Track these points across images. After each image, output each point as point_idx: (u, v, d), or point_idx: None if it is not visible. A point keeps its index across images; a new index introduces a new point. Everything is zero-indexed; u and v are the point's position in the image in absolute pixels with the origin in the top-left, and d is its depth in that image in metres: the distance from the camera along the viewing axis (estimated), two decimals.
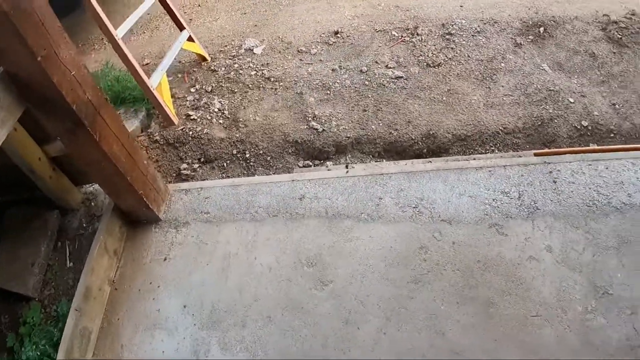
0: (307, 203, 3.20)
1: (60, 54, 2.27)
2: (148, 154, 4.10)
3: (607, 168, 3.42)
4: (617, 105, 3.97)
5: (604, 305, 2.79)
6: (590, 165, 3.43)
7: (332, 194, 3.22)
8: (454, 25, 4.50)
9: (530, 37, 4.43)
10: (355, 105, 3.93)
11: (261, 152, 3.90)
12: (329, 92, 4.06)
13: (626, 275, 2.89)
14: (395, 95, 3.93)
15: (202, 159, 3.97)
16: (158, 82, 4.05)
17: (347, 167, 3.51)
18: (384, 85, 4.01)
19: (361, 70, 4.18)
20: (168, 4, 4.45)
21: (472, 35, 4.40)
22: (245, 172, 3.87)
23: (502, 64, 4.16)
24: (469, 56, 4.21)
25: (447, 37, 4.40)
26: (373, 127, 3.79)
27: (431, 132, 3.69)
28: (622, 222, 3.12)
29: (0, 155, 2.96)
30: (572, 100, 3.92)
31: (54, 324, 3.17)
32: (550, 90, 3.96)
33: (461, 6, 4.82)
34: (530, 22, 4.58)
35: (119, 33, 3.83)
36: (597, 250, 2.98)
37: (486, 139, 3.69)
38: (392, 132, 3.73)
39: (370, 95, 3.96)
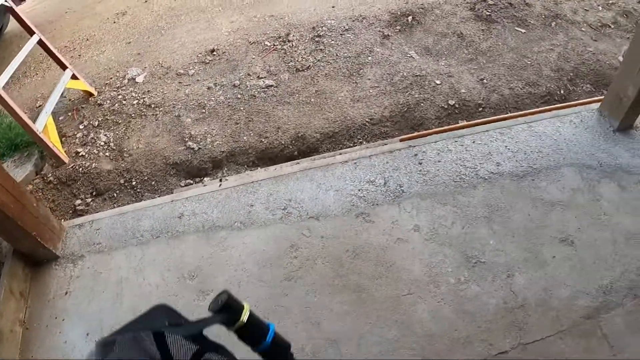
0: (186, 220, 3.27)
1: None
2: (44, 195, 4.13)
3: (473, 142, 3.54)
4: (485, 80, 4.09)
5: (477, 274, 2.90)
6: (456, 141, 3.54)
7: (207, 208, 3.29)
8: (324, 27, 4.61)
9: (398, 27, 4.55)
10: (228, 119, 4.00)
11: (146, 178, 3.95)
12: (204, 110, 4.13)
13: (498, 240, 3.03)
14: (266, 104, 4.01)
15: (94, 193, 4.01)
16: (44, 125, 4.09)
17: (220, 180, 3.57)
18: (255, 96, 4.09)
19: (234, 85, 4.25)
20: (47, 47, 4.49)
21: (341, 34, 4.51)
22: (133, 199, 3.93)
23: (370, 58, 4.26)
24: (337, 55, 4.31)
25: (317, 39, 4.50)
26: (245, 138, 3.86)
27: (300, 134, 3.78)
28: (491, 191, 3.26)
29: None
30: (438, 82, 4.04)
31: None
32: (416, 76, 4.07)
33: (333, 7, 4.93)
34: (399, 13, 4.71)
35: (0, 81, 3.87)
36: (467, 222, 3.09)
37: (353, 132, 3.78)
38: (263, 140, 3.81)
39: (242, 108, 4.03)
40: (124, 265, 3.19)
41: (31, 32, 4.41)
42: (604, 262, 3.06)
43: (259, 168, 3.83)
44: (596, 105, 3.99)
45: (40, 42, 4.44)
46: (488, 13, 4.80)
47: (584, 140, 3.71)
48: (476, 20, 4.75)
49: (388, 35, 4.50)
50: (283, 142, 3.81)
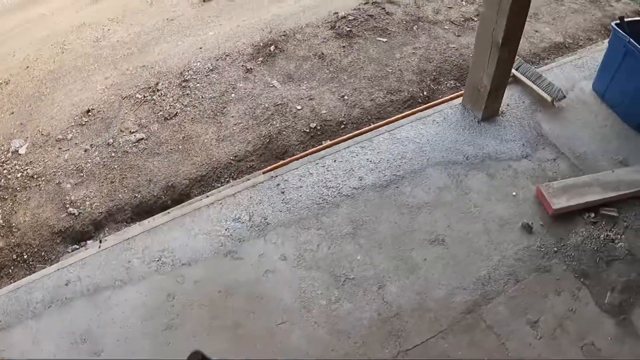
0: (72, 286, 3.39)
1: None
2: None
3: (335, 161, 3.72)
4: (345, 97, 4.30)
5: (347, 292, 3.07)
6: (317, 164, 3.72)
7: (90, 271, 3.42)
8: (190, 71, 4.77)
9: (261, 59, 4.73)
10: (104, 179, 4.14)
11: (36, 249, 4.05)
12: (82, 174, 4.25)
13: (365, 254, 3.21)
14: (138, 158, 4.16)
15: None
16: None
17: (100, 242, 3.70)
18: (128, 151, 4.23)
19: (108, 143, 4.38)
20: None
21: (206, 75, 4.68)
22: (27, 272, 4.01)
23: (233, 95, 4.44)
24: (202, 97, 4.48)
25: (184, 84, 4.66)
26: (120, 195, 4.00)
27: (170, 184, 3.94)
28: (355, 206, 3.45)
29: None
30: (299, 107, 4.23)
31: None
32: (277, 105, 4.26)
33: (200, 48, 5.09)
34: (262, 44, 4.89)
35: None
36: (332, 242, 3.28)
37: (220, 172, 3.96)
38: (137, 195, 3.96)
39: (116, 166, 4.17)
40: (22, 340, 3.27)
41: None
42: (479, 254, 3.24)
43: (136, 223, 3.96)
44: (459, 100, 4.17)
45: None
46: (348, 29, 5.01)
47: (448, 137, 3.90)
48: (337, 38, 4.95)
49: (251, 68, 4.68)
50: (155, 194, 3.96)
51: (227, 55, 4.89)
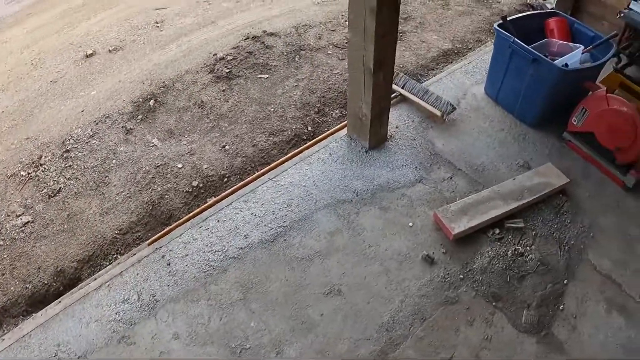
0: None
1: None
2: None
3: (218, 221, 3.69)
4: (227, 146, 4.29)
5: None
6: (201, 227, 3.69)
7: None
8: (72, 140, 4.72)
9: (140, 116, 4.70)
10: None
11: None
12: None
13: (259, 320, 3.15)
14: (26, 244, 4.10)
15: None
16: None
17: None
18: (15, 238, 4.16)
19: None
20: None
21: (87, 143, 4.63)
22: None
23: (114, 161, 4.41)
24: (84, 168, 4.44)
25: (66, 155, 4.61)
26: (12, 288, 3.94)
27: (59, 269, 3.90)
28: (243, 268, 3.40)
29: None
30: (180, 165, 4.22)
31: None
32: (158, 166, 4.24)
33: (82, 111, 5.03)
34: (141, 99, 4.85)
35: None
36: (223, 311, 3.23)
37: (107, 249, 3.93)
38: (28, 285, 3.90)
39: (5, 256, 4.10)
40: None
41: None
42: (379, 299, 3.19)
43: (30, 316, 3.92)
44: (345, 131, 4.12)
45: None
46: (228, 70, 5.00)
47: (335, 174, 3.84)
48: (216, 81, 4.94)
49: (131, 128, 4.65)
50: (46, 282, 3.92)
51: (107, 117, 4.84)
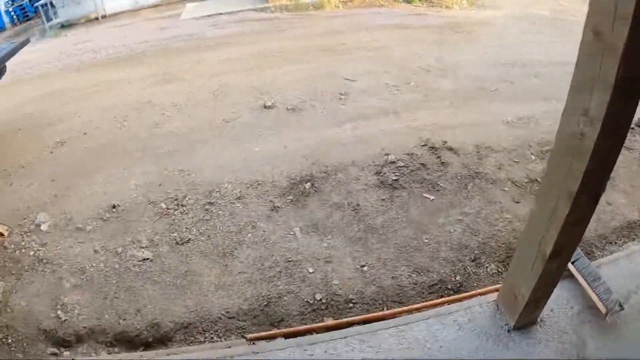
0: None
1: None
2: None
3: (325, 352, 3.42)
4: (365, 267, 4.08)
5: None
6: (305, 350, 3.45)
7: None
8: (218, 193, 4.74)
9: (291, 197, 4.63)
10: (99, 292, 4.10)
11: (20, 338, 4.02)
12: (83, 277, 4.25)
13: None
14: (137, 280, 4.12)
15: None
16: None
17: None
18: (130, 269, 4.20)
19: (117, 252, 4.38)
20: None
21: (231, 203, 4.62)
22: (7, 355, 3.99)
23: (249, 235, 4.34)
24: (220, 228, 4.41)
25: (208, 207, 4.62)
26: (106, 317, 3.95)
27: (155, 321, 3.85)
28: None
29: None
30: (311, 270, 4.06)
31: None
32: (289, 261, 4.11)
33: (239, 167, 5.04)
34: (298, 178, 4.79)
35: None
36: None
37: (207, 325, 3.82)
38: (121, 322, 3.89)
39: (114, 281, 4.14)
40: None
41: None
42: None
43: (115, 349, 3.88)
44: (494, 296, 3.73)
45: None
46: (395, 177, 4.82)
47: (466, 347, 3.38)
48: (379, 187, 4.78)
49: (278, 207, 4.58)
50: (139, 327, 3.87)
51: (259, 184, 4.82)
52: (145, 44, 10.60)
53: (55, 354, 3.93)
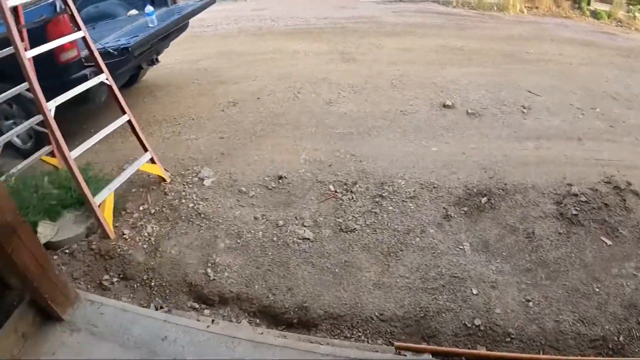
0: (166, 345, 3.27)
1: None
2: (83, 258, 4.36)
3: None
4: (531, 303, 3.70)
5: None
6: None
7: (188, 342, 3.28)
8: (391, 186, 4.46)
9: (465, 208, 4.27)
10: (253, 260, 3.98)
11: (164, 284, 4.03)
12: (239, 241, 4.15)
13: None
14: (293, 258, 3.95)
15: (121, 276, 4.16)
16: (103, 200, 4.36)
17: (212, 322, 3.56)
18: (288, 244, 4.03)
19: (277, 224, 4.23)
20: (134, 127, 4.81)
21: (403, 201, 4.33)
22: (146, 297, 4.01)
23: (417, 239, 4.03)
24: (387, 225, 4.14)
25: (378, 199, 4.36)
26: (256, 286, 3.82)
27: (305, 304, 3.66)
28: None
29: None
30: (475, 292, 3.71)
31: None
32: (454, 276, 3.78)
33: (414, 165, 4.75)
34: (475, 190, 4.42)
35: (72, 154, 4.22)
36: None
37: (357, 322, 3.58)
38: (270, 296, 3.74)
39: (270, 253, 4.00)
40: (103, 358, 3.28)
41: (123, 111, 4.71)
42: None
43: (256, 321, 3.76)
44: None
45: (129, 122, 4.74)
46: (575, 212, 4.32)
47: None
48: (557, 218, 4.30)
49: (450, 215, 4.22)
50: (287, 306, 3.71)
51: (434, 187, 4.46)
52: (325, 21, 10.53)
53: (195, 309, 3.85)
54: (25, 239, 3.24)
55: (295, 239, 4.11)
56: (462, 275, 3.78)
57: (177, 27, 6.77)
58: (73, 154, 4.28)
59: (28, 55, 4.30)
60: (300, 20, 10.94)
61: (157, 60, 7.19)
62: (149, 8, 6.27)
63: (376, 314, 3.60)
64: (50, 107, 4.30)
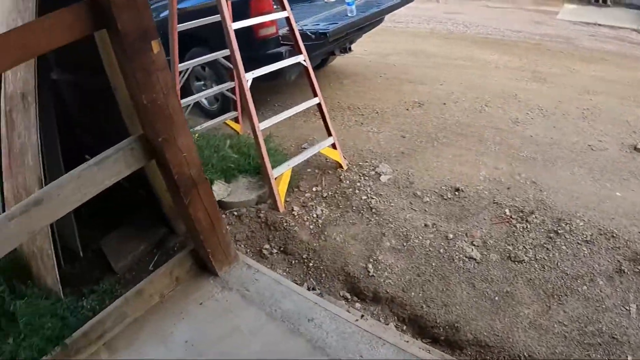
0: (311, 326, 3.44)
1: (178, 139, 3.33)
2: (249, 222, 4.79)
3: None
4: None
5: None
6: None
7: (333, 329, 3.41)
8: (568, 225, 4.35)
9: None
10: (414, 266, 4.09)
11: (321, 267, 4.28)
12: (405, 243, 4.27)
13: None
14: (455, 274, 4.00)
15: (281, 249, 4.50)
16: (280, 174, 4.73)
17: (362, 316, 3.75)
18: (453, 259, 4.09)
19: (446, 236, 4.30)
20: (323, 111, 5.11)
21: (578, 243, 4.22)
22: (301, 275, 4.30)
23: (584, 287, 3.93)
24: (556, 265, 4.06)
25: (552, 235, 4.28)
26: (412, 293, 3.92)
27: (457, 324, 3.70)
28: None
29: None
30: (630, 359, 3.60)
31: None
32: (613, 337, 3.64)
33: (595, 204, 4.60)
34: None
35: (261, 126, 4.61)
36: None
37: (504, 357, 3.56)
38: (424, 306, 3.83)
39: (433, 264, 4.08)
40: (248, 321, 3.55)
41: (315, 94, 5.05)
42: None
43: (404, 327, 3.88)
44: None
45: (319, 105, 5.02)
46: None
47: None
48: None
49: (623, 270, 4.03)
50: (437, 321, 3.77)
51: (612, 236, 4.25)
52: (519, 34, 10.22)
53: (346, 299, 4.03)
54: (203, 195, 3.61)
55: (461, 255, 4.14)
56: (621, 339, 3.62)
57: (374, 20, 6.92)
58: (261, 125, 4.59)
59: (234, 26, 4.62)
60: (493, 30, 10.70)
61: (350, 49, 7.43)
62: None
63: (525, 354, 3.55)
64: (248, 78, 4.63)
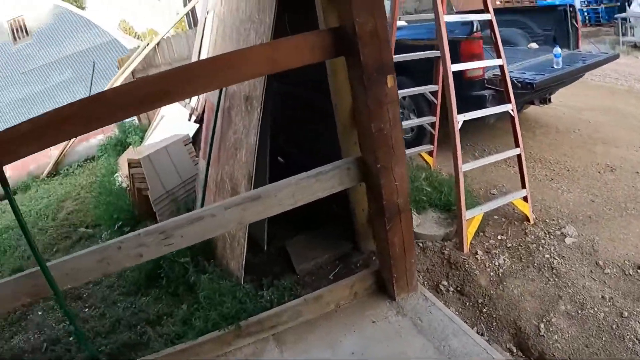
0: None
1: (395, 168, 3.71)
2: (432, 255, 5.16)
3: None
4: None
5: None
6: None
7: None
8: None
9: None
10: (585, 336, 4.18)
11: (494, 315, 4.52)
12: (580, 312, 4.38)
13: None
14: (623, 354, 4.01)
15: (458, 288, 4.82)
16: (472, 216, 5.03)
17: None
18: (624, 339, 4.11)
19: (621, 314, 4.27)
20: (521, 163, 5.33)
21: None
22: (472, 319, 4.54)
23: None
24: None
25: None
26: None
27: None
28: None
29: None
30: None
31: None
32: None
33: None
34: None
35: (463, 167, 4.96)
36: None
37: None
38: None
39: (603, 339, 4.14)
40: (415, 349, 3.82)
41: (517, 144, 5.29)
42: None
43: None
44: None
45: (518, 156, 5.32)
46: None
47: None
48: None
49: None
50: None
51: None
52: None
53: (511, 352, 4.20)
54: (404, 223, 3.94)
55: (633, 337, 4.17)
56: None
57: (578, 75, 6.89)
58: (464, 167, 4.87)
59: (453, 68, 4.91)
60: None
61: (549, 100, 7.46)
62: (557, 50, 6.54)
63: None
64: (460, 120, 4.91)
